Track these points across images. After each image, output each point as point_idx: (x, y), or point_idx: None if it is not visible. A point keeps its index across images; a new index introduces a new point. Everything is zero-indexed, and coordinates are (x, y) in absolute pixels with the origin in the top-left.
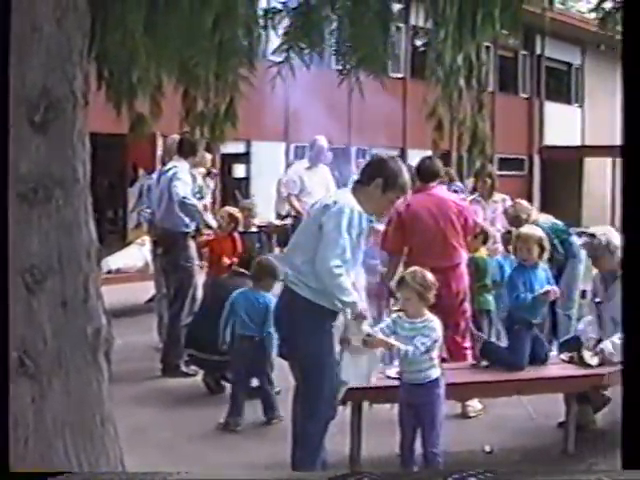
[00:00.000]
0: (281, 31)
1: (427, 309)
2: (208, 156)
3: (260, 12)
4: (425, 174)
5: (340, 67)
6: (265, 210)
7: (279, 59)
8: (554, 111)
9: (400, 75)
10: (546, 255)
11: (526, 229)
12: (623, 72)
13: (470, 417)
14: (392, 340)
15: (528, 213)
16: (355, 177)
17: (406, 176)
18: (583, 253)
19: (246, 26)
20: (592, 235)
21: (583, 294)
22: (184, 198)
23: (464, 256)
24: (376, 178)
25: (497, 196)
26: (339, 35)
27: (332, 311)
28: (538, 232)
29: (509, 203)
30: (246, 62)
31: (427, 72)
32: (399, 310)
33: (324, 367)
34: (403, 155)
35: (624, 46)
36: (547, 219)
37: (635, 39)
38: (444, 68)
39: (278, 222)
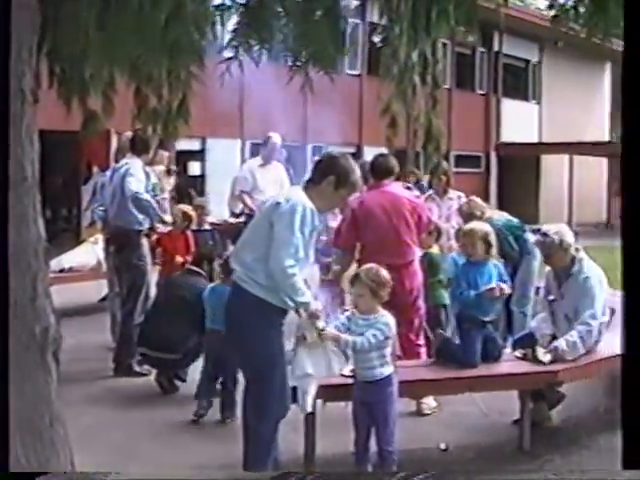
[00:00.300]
0: (231, 27)
1: (381, 306)
2: (165, 154)
3: (211, 9)
4: (379, 171)
5: (290, 63)
6: (221, 208)
7: (230, 55)
8: (511, 108)
9: (357, 72)
10: (494, 251)
11: (471, 225)
12: (623, 72)
13: (425, 414)
14: (343, 335)
15: (482, 210)
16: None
17: (357, 173)
18: (538, 250)
19: (196, 23)
20: (544, 234)
21: (538, 291)
22: (137, 193)
23: (417, 253)
24: (328, 176)
25: (452, 193)
26: (289, 32)
27: (282, 309)
28: (483, 227)
29: (464, 200)
30: (197, 59)
31: (382, 69)
32: (353, 307)
33: (274, 365)
34: (359, 152)
35: (625, 46)
36: (501, 216)
37: (635, 39)
38: (399, 65)
39: (233, 220)
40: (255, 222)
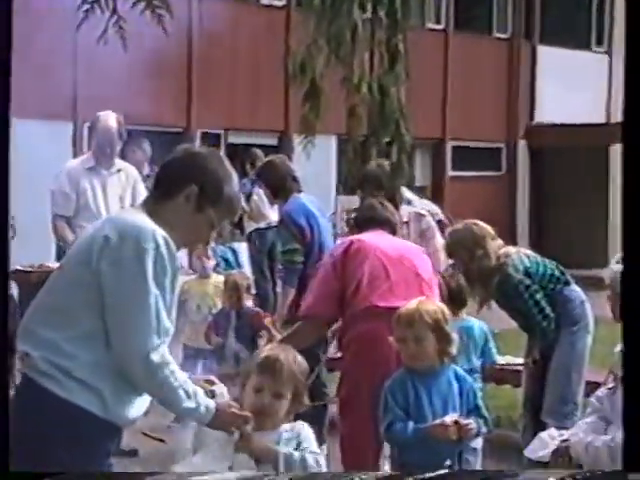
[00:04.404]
0: None
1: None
2: None
3: None
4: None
5: None
6: (43, 240)
7: None
8: (556, 62)
9: (281, 2)
10: (454, 350)
11: (410, 305)
12: (625, 70)
13: None
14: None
15: (482, 242)
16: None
17: (235, 186)
18: (589, 313)
19: None
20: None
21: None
22: None
23: None
24: (186, 185)
25: (418, 203)
26: None
27: (113, 425)
28: (433, 309)
29: (441, 217)
30: None
31: None
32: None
33: None
34: (284, 142)
35: (626, 45)
36: (524, 256)
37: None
38: None
39: (54, 265)
40: (65, 272)
